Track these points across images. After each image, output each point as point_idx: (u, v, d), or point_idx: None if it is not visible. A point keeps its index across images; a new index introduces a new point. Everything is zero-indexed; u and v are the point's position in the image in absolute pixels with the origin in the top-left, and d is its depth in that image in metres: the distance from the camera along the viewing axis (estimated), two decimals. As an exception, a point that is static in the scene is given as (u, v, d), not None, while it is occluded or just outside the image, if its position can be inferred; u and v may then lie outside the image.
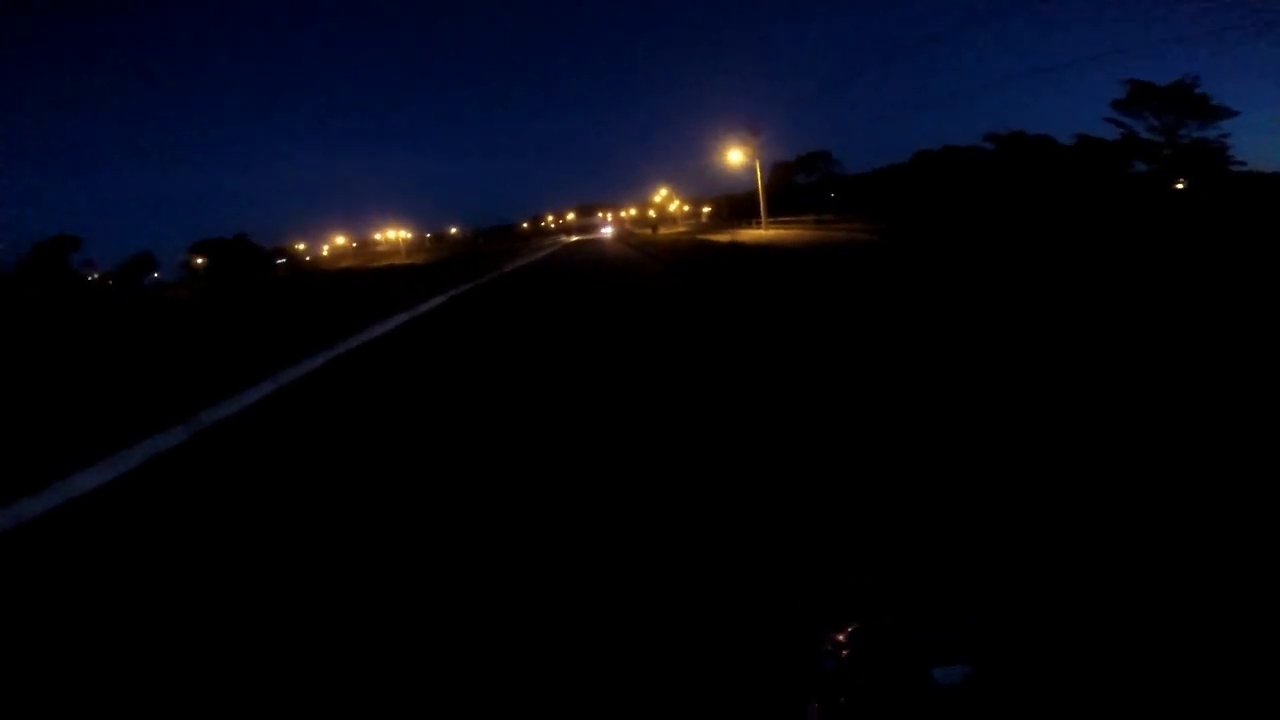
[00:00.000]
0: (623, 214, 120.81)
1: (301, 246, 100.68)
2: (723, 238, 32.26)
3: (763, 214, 39.65)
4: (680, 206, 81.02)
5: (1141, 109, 38.15)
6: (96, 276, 45.25)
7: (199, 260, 47.51)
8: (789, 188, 61.54)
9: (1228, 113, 35.17)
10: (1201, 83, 34.92)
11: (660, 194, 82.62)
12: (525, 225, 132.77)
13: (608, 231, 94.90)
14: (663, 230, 64.43)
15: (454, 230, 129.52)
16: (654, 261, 18.37)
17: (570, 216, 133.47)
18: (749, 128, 37.68)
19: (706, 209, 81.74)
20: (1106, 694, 1.32)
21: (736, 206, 67.79)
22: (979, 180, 40.98)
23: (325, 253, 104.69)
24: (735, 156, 39.86)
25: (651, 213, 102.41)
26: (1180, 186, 33.56)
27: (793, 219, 39.39)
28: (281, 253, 59.88)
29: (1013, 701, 0.75)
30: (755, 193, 64.40)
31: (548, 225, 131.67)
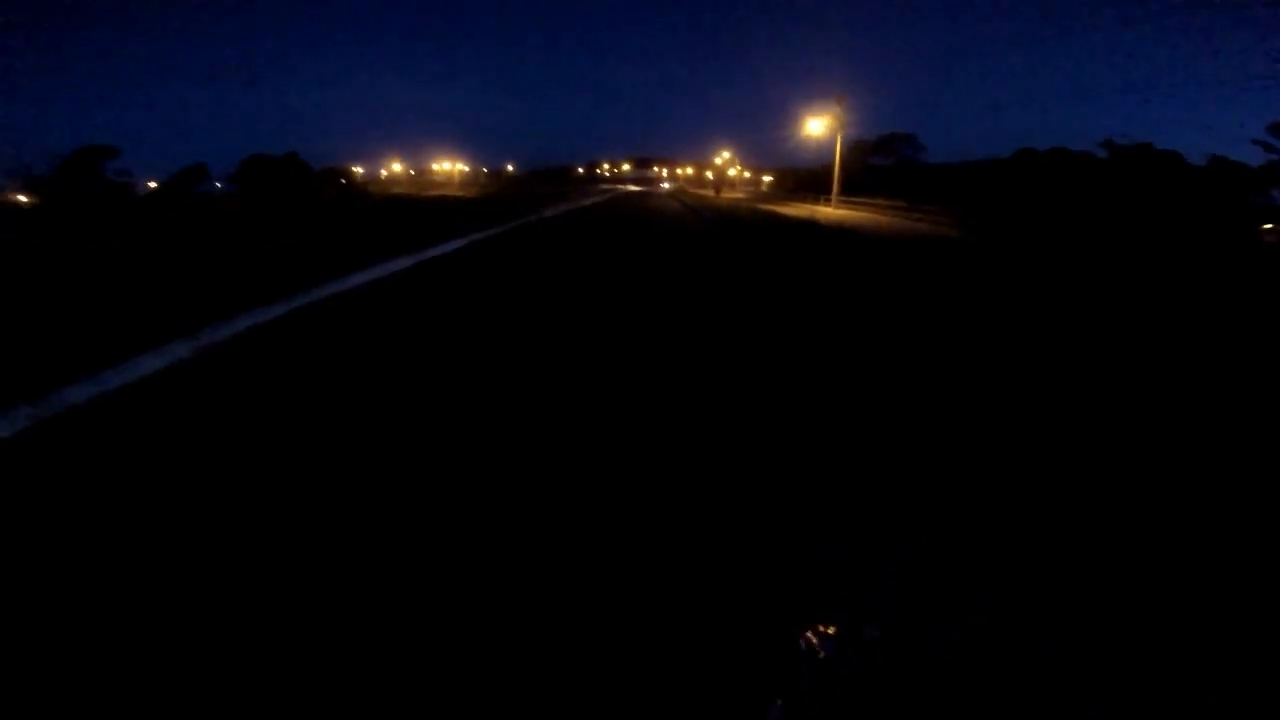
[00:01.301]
0: (679, 171, 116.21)
1: (360, 170, 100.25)
2: (791, 211, 29.30)
3: (835, 191, 36.21)
4: (740, 172, 76.62)
5: None
6: (153, 185, 44.60)
7: (241, 176, 46.42)
8: (862, 168, 57.14)
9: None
10: None
11: (722, 156, 78.22)
12: (581, 170, 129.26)
13: (666, 186, 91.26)
14: (724, 194, 60.95)
15: (510, 168, 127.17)
16: (715, 230, 15.88)
17: (626, 167, 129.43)
18: (836, 96, 33.86)
19: (768, 178, 77.34)
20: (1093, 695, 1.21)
21: (801, 180, 63.63)
22: (1089, 189, 36.57)
23: (384, 176, 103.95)
24: (815, 126, 36.21)
25: (709, 174, 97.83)
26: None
27: (864, 200, 35.87)
28: (335, 174, 58.23)
29: (994, 704, 0.72)
30: (823, 168, 60.18)
31: (602, 173, 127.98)
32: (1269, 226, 30.20)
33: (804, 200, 45.38)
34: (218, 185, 49.62)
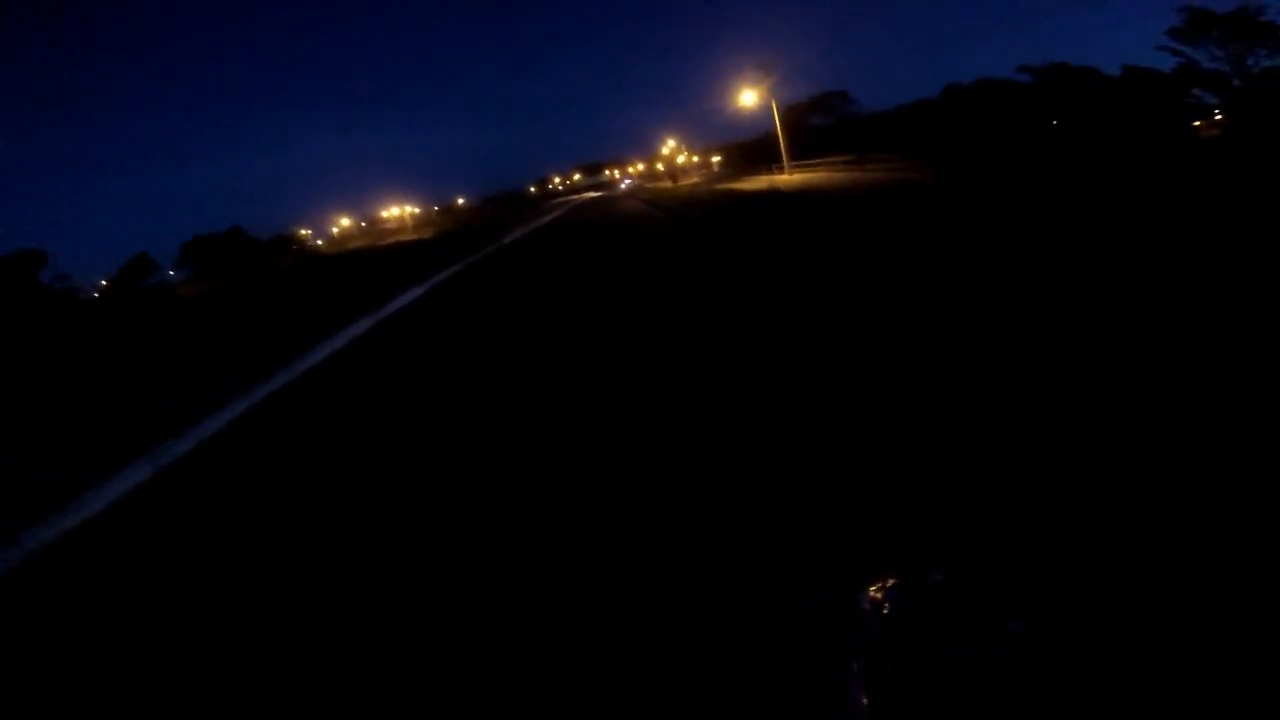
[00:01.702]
0: (630, 170, 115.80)
1: (307, 232, 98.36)
2: (748, 185, 29.09)
3: (784, 157, 36.06)
4: (690, 158, 76.49)
5: (1201, 38, 33.99)
6: (104, 284, 43.32)
7: (187, 260, 45.37)
8: (804, 130, 57.09)
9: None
10: (1266, 10, 30.70)
11: (668, 146, 77.98)
12: (534, 189, 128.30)
13: (625, 186, 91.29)
14: (682, 181, 60.64)
15: (461, 200, 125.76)
16: (686, 224, 15.59)
17: (576, 177, 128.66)
18: (761, 67, 33.73)
19: (716, 158, 77.28)
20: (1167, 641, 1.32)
21: (748, 153, 63.52)
22: (1018, 114, 36.91)
23: (336, 234, 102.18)
24: (748, 99, 36.07)
25: (660, 166, 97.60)
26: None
27: (818, 161, 35.82)
28: (286, 241, 57.16)
29: (1073, 659, 0.69)
30: (767, 138, 60.15)
31: (555, 187, 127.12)
32: (1198, 124, 30.98)
33: (758, 172, 45.24)
34: (171, 274, 48.47)
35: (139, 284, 47.26)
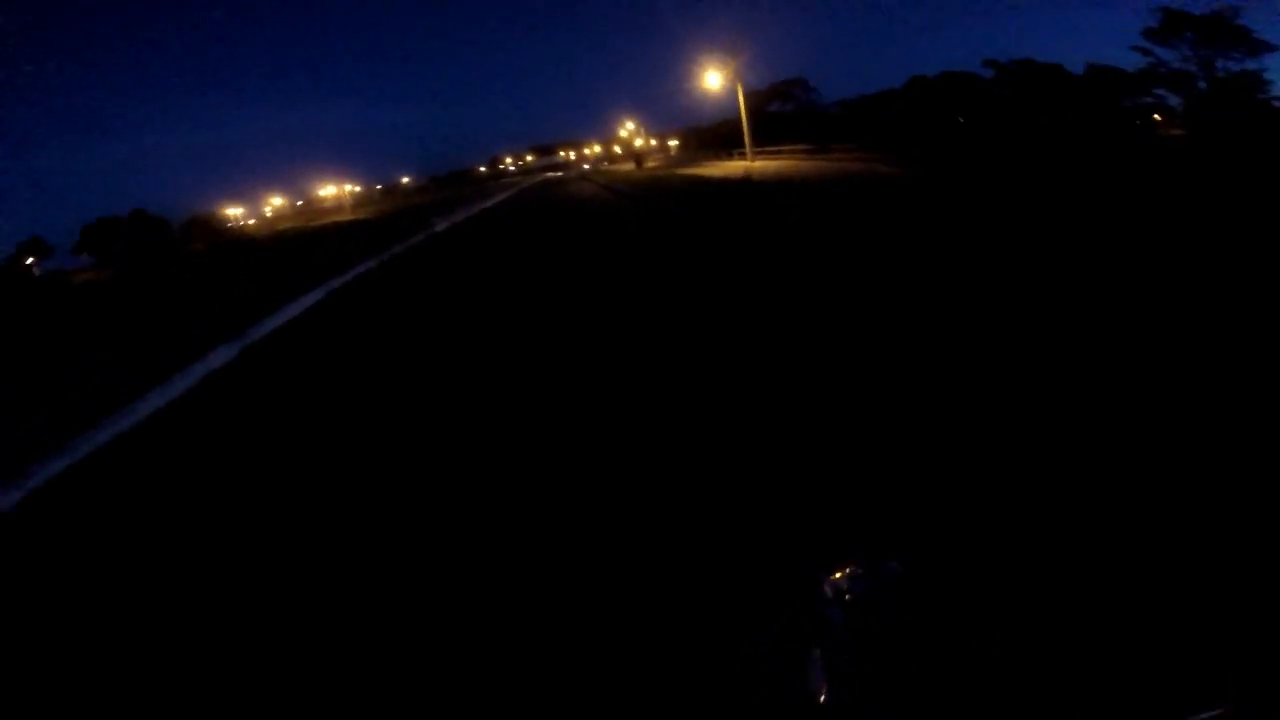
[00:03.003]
0: (585, 151, 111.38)
1: (240, 210, 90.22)
2: (713, 170, 26.50)
3: (747, 143, 33.67)
4: (647, 141, 73.27)
5: (1175, 39, 33.29)
6: None
7: (87, 246, 39.46)
8: (763, 117, 54.86)
9: (1269, 47, 30.39)
10: (1243, 14, 29.95)
11: (626, 129, 74.46)
12: (483, 169, 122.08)
13: (587, 168, 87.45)
14: (628, 167, 57.49)
15: (406, 180, 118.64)
16: (664, 218, 12.84)
17: (529, 158, 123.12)
18: (728, 48, 31.02)
19: (674, 143, 74.36)
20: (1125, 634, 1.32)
21: (706, 138, 61.01)
22: (982, 108, 35.84)
23: (269, 214, 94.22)
24: (713, 81, 33.39)
25: (616, 149, 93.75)
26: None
27: (779, 149, 33.52)
28: (202, 222, 50.98)
29: (1033, 649, 0.72)
30: (725, 124, 57.72)
31: (506, 168, 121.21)
32: (1158, 119, 30.78)
33: (717, 158, 42.75)
34: (31, 264, 41.62)
35: (29, 272, 40.96)
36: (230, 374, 5.68)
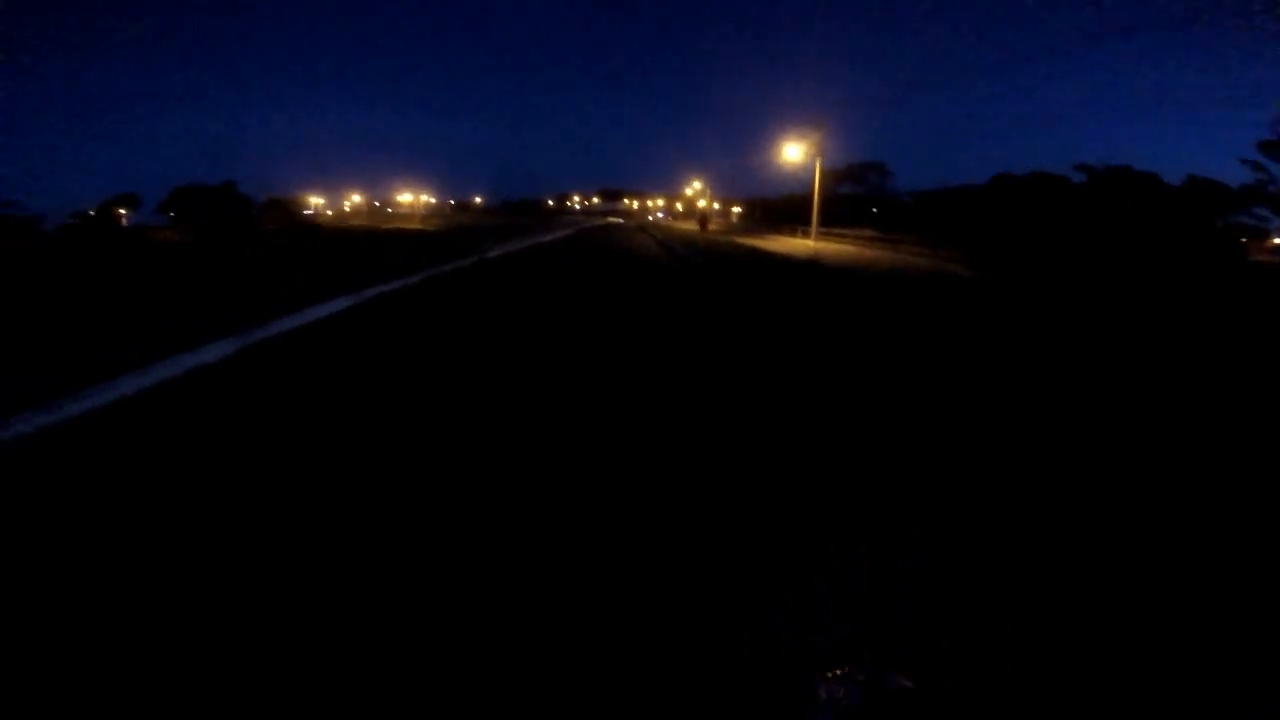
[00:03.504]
0: (649, 202, 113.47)
1: (321, 201, 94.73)
2: (776, 245, 25.72)
3: (814, 221, 32.86)
4: (710, 203, 73.88)
5: None
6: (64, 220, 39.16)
7: (172, 206, 41.30)
8: (833, 197, 54.54)
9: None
10: None
11: (692, 187, 75.35)
12: (551, 203, 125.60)
13: (661, 216, 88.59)
14: (689, 226, 57.52)
15: (478, 200, 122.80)
16: (697, 280, 11.76)
17: (595, 200, 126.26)
18: (814, 122, 30.61)
19: (736, 209, 74.68)
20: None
21: (770, 211, 61.00)
22: (1069, 213, 34.41)
23: (348, 209, 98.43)
24: (792, 153, 32.86)
25: (679, 205, 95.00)
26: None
27: (846, 232, 32.63)
28: (280, 204, 53.09)
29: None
30: (791, 199, 57.62)
31: (571, 205, 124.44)
32: (1244, 242, 28.72)
33: (779, 232, 42.24)
34: (121, 215, 43.96)
35: (116, 222, 42.93)
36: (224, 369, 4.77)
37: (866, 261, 18.21)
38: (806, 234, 34.69)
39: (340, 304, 8.39)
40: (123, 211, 48.61)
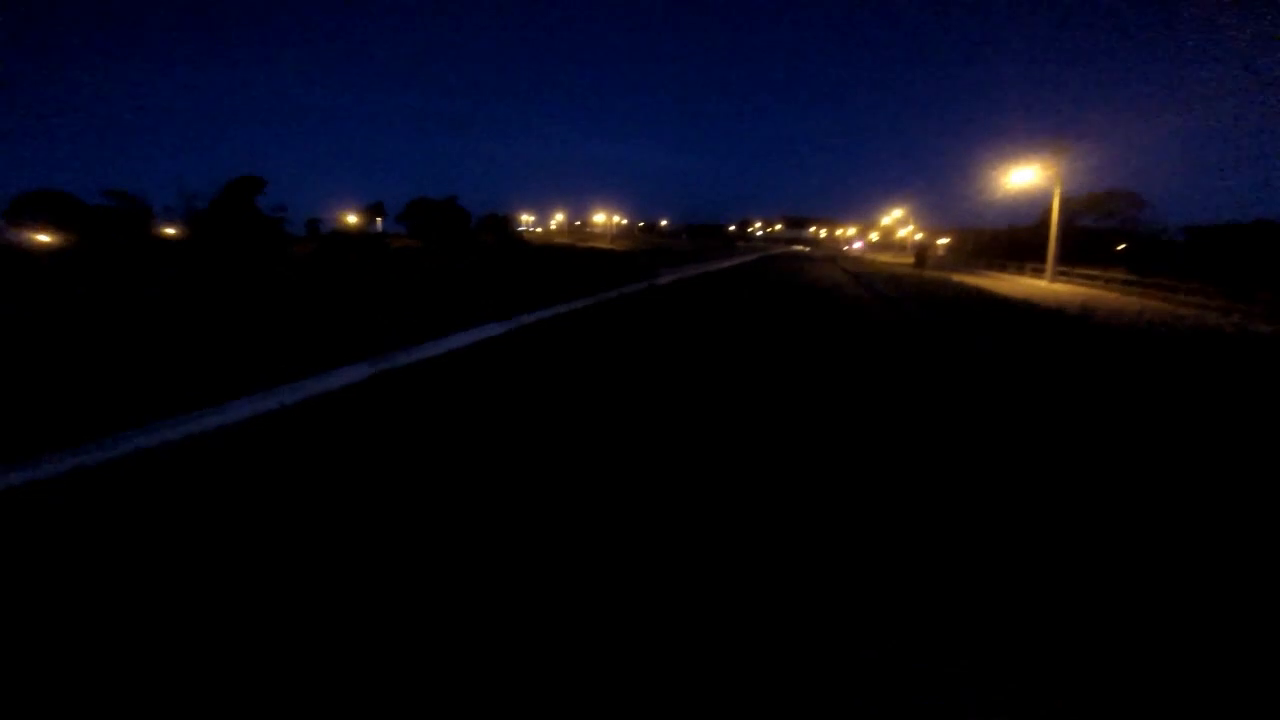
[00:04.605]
0: (838, 232, 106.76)
1: (531, 218, 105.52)
2: (1003, 286, 21.49)
3: (1050, 259, 27.26)
4: (912, 234, 66.66)
5: None
6: (329, 225, 48.02)
7: (406, 217, 48.11)
8: (1069, 231, 45.29)
9: None
10: None
11: (892, 215, 68.85)
12: (732, 228, 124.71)
13: (858, 246, 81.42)
14: (887, 259, 52.08)
15: (664, 223, 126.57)
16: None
17: (778, 226, 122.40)
18: (1055, 143, 25.35)
19: (943, 241, 66.48)
20: None
21: (986, 243, 52.93)
22: None
23: (554, 227, 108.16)
24: (1022, 177, 27.72)
25: (873, 234, 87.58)
26: None
27: (1094, 272, 26.26)
28: (496, 221, 59.40)
29: None
30: (1015, 230, 49.28)
31: (753, 231, 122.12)
32: None
33: (1002, 269, 36.05)
34: (378, 223, 52.72)
35: (368, 228, 51.42)
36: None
37: (1140, 313, 13.77)
38: (1039, 273, 28.85)
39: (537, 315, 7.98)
40: (378, 220, 58.38)
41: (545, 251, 35.47)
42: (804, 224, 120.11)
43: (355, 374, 5.19)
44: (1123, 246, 42.78)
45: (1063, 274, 27.32)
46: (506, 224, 66.84)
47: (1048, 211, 29.55)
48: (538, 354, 6.33)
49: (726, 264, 29.41)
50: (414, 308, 9.51)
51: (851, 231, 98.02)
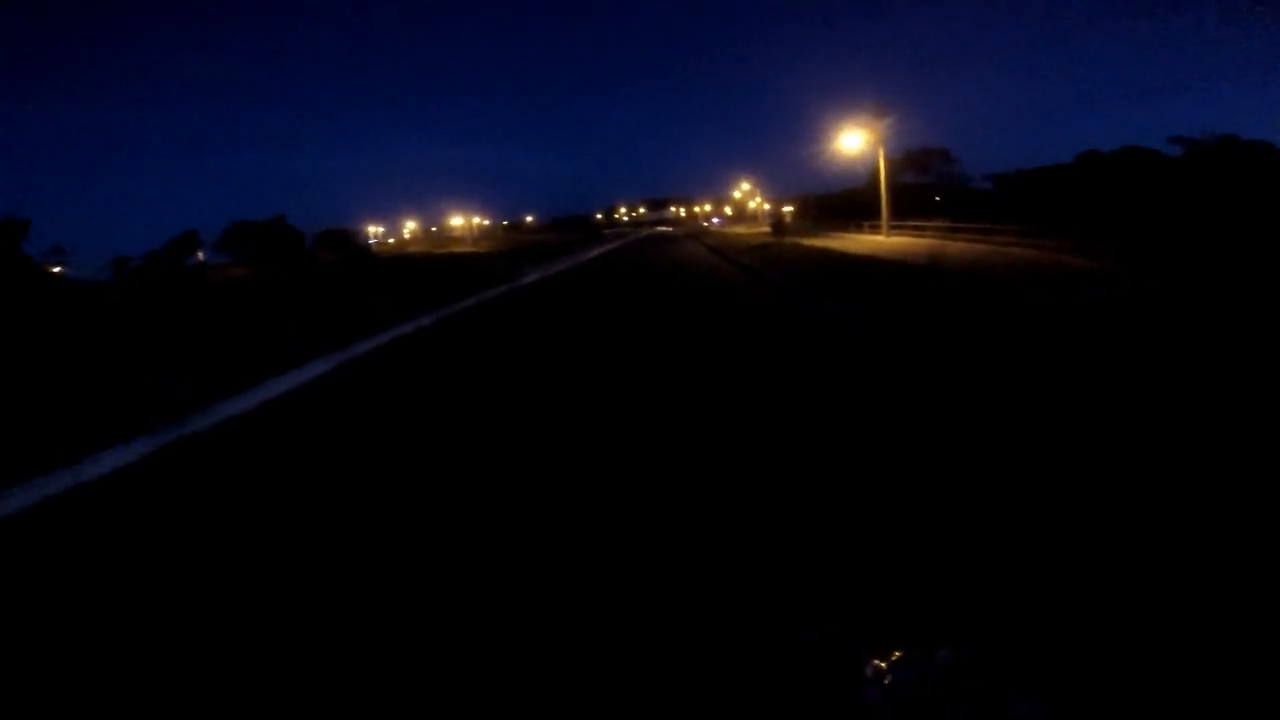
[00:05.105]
0: (696, 209, 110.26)
1: (379, 229, 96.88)
2: (849, 245, 22.52)
3: (884, 215, 29.30)
4: (759, 205, 70.17)
5: None
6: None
7: (227, 245, 41.87)
8: (894, 189, 49.79)
9: None
10: None
11: (740, 190, 72.01)
12: (599, 216, 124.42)
13: (716, 223, 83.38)
14: (742, 230, 54.14)
15: (530, 219, 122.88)
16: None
17: (642, 210, 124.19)
18: (875, 108, 27.16)
19: (788, 208, 70.71)
20: None
21: (826, 207, 56.86)
22: (1170, 190, 29.41)
23: (406, 236, 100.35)
24: (851, 143, 29.56)
25: (728, 209, 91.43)
26: None
27: (922, 224, 28.71)
28: (338, 235, 53.39)
29: None
30: (851, 193, 53.34)
31: (620, 217, 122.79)
32: None
33: (844, 229, 38.39)
34: (200, 256, 45.15)
35: (180, 262, 44.02)
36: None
37: (973, 258, 14.83)
38: (875, 229, 31.06)
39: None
40: (200, 255, 50.04)
41: (395, 263, 32.31)
42: (664, 205, 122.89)
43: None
44: (938, 199, 47.85)
45: (895, 228, 29.55)
46: (350, 238, 60.58)
47: (876, 173, 31.90)
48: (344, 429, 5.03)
49: (593, 253, 28.56)
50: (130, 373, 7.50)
51: (709, 207, 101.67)
